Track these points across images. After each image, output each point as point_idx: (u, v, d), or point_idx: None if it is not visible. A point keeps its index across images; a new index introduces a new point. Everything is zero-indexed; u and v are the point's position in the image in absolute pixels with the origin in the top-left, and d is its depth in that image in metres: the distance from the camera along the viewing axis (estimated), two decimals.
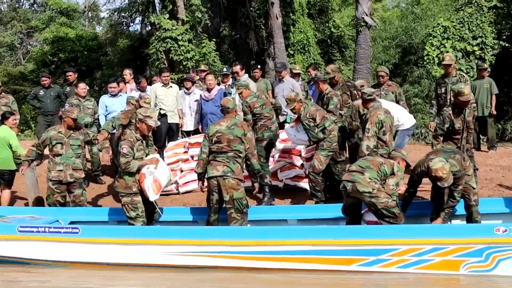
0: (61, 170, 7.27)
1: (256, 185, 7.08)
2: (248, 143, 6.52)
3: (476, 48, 13.84)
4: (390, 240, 5.37)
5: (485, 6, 13.98)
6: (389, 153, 6.48)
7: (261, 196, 7.85)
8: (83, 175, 7.57)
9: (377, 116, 6.68)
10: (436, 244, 5.28)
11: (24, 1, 31.78)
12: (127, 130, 7.83)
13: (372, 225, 5.88)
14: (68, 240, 6.08)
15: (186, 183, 8.56)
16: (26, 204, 8.58)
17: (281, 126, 8.88)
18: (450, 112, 6.88)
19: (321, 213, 6.83)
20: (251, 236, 5.76)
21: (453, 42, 14.07)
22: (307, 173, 8.29)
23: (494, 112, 10.23)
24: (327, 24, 18.79)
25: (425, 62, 14.47)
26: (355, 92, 8.22)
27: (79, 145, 7.43)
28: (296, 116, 7.75)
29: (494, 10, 14.07)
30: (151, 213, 6.63)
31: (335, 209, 6.74)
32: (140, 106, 7.84)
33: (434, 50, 14.20)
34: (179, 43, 13.40)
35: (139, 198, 6.41)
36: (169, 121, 9.45)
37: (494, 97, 10.08)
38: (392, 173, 5.87)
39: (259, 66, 10.38)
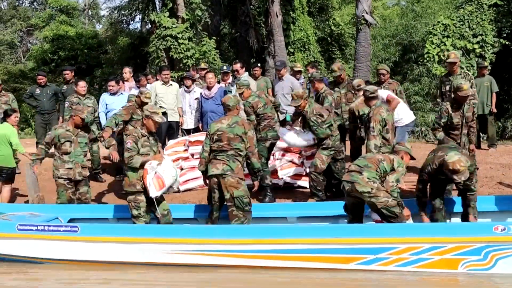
0: (70, 168, 7.32)
1: (256, 183, 7.02)
2: (249, 141, 6.50)
3: (476, 46, 13.83)
4: (389, 238, 5.37)
5: (486, 4, 13.97)
6: (393, 147, 6.44)
7: (261, 196, 7.85)
8: (88, 173, 7.65)
9: (380, 114, 6.67)
10: (435, 243, 5.27)
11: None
12: (129, 126, 7.88)
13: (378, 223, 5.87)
14: (67, 238, 6.08)
15: (186, 181, 8.55)
16: (27, 202, 8.58)
17: (281, 124, 8.88)
18: (448, 107, 6.92)
19: (320, 210, 6.84)
20: (250, 234, 5.76)
21: (453, 40, 14.06)
22: (307, 171, 8.31)
23: (494, 110, 10.23)
24: (327, 22, 18.77)
25: (425, 60, 14.47)
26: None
27: (86, 143, 7.53)
28: (294, 116, 7.74)
29: (494, 8, 14.06)
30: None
31: (334, 207, 6.76)
32: (142, 102, 7.87)
33: (434, 48, 14.19)
34: (179, 41, 13.39)
35: (142, 197, 6.39)
36: (169, 119, 9.44)
37: (494, 95, 10.07)
38: (392, 169, 5.82)
39: (259, 64, 10.37)
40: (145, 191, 6.38)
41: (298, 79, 9.65)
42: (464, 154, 5.97)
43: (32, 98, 10.44)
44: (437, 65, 14.07)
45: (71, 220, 7.10)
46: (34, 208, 7.42)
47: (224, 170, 6.33)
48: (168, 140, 9.42)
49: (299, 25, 16.38)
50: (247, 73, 9.66)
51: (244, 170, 6.65)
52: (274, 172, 8.34)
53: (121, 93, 9.39)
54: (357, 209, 6.08)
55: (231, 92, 9.17)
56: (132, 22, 20.92)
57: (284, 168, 8.45)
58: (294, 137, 7.51)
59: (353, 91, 8.25)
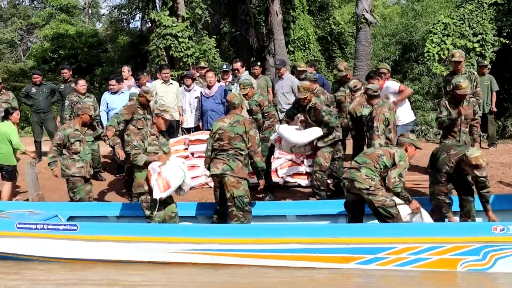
0: (82, 167, 7.39)
1: (262, 182, 6.94)
2: (251, 140, 6.42)
3: (476, 45, 13.80)
4: (388, 238, 5.37)
5: (486, 3, 13.94)
6: (398, 138, 6.34)
7: (261, 195, 7.87)
8: (93, 172, 7.78)
9: (383, 114, 6.67)
10: (434, 243, 5.27)
11: None
12: (130, 126, 7.90)
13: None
14: (66, 237, 6.09)
15: None
16: (27, 200, 8.59)
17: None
18: (446, 102, 6.95)
19: (320, 209, 6.84)
20: (249, 234, 5.75)
21: (453, 39, 14.03)
22: (307, 170, 8.32)
23: (495, 109, 10.23)
24: (327, 21, 18.74)
25: (425, 59, 14.44)
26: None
27: (92, 141, 7.57)
28: (293, 110, 7.72)
29: (494, 7, 14.03)
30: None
31: (333, 205, 6.77)
32: (147, 100, 7.95)
33: (435, 47, 14.16)
34: (179, 40, 13.38)
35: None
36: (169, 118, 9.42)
37: (494, 94, 10.07)
38: (394, 164, 5.76)
39: (259, 63, 10.35)
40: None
41: (302, 79, 9.52)
42: None
43: (27, 97, 10.43)
44: (437, 64, 14.04)
45: (70, 218, 7.12)
46: (33, 206, 7.44)
47: (224, 169, 6.32)
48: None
49: (299, 24, 16.35)
50: (247, 72, 9.65)
51: (248, 169, 6.63)
52: (274, 171, 8.35)
53: (122, 92, 9.40)
54: (357, 207, 6.06)
55: (231, 91, 9.17)
56: (132, 20, 20.91)
57: (284, 167, 8.47)
58: (296, 134, 7.33)
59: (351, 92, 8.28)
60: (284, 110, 9.30)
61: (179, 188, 6.48)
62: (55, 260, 6.18)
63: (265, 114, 7.73)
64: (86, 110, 7.52)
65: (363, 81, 9.28)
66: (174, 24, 13.49)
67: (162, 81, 9.69)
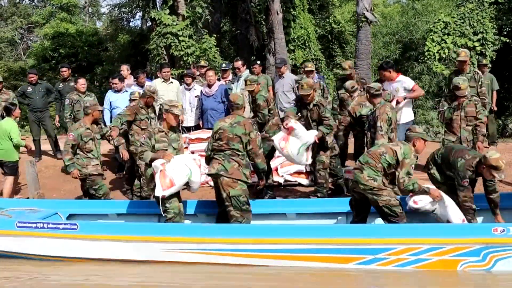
0: (97, 164, 7.46)
1: (262, 182, 6.90)
2: (251, 143, 6.36)
3: (477, 43, 13.81)
4: (388, 239, 5.36)
5: (486, 1, 13.95)
6: (406, 136, 6.18)
7: (261, 194, 7.88)
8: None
9: (387, 113, 6.67)
10: (434, 244, 5.27)
11: None
12: (134, 126, 7.93)
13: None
14: (66, 236, 6.09)
15: None
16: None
17: (282, 122, 8.88)
18: (447, 97, 7.16)
19: (320, 207, 6.83)
20: (248, 234, 5.75)
21: (453, 37, 14.04)
22: (307, 169, 8.32)
23: (495, 108, 10.21)
24: (327, 20, 18.74)
25: (425, 58, 14.45)
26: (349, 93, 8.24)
27: (99, 139, 7.61)
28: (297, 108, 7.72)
29: (495, 5, 14.03)
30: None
31: (333, 204, 6.78)
32: (154, 100, 8.01)
33: (435, 46, 14.17)
34: (180, 38, 13.37)
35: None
36: None
37: (495, 93, 10.05)
38: (397, 161, 5.71)
39: (258, 62, 10.35)
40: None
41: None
42: None
43: (23, 96, 10.42)
44: (438, 63, 14.06)
45: (70, 216, 7.12)
46: (33, 204, 7.44)
47: (218, 170, 6.28)
48: None
49: (300, 23, 16.35)
50: (248, 70, 9.66)
51: (250, 169, 6.59)
52: (275, 170, 8.35)
53: (125, 91, 9.41)
54: (362, 206, 6.05)
55: (231, 90, 9.17)
56: (132, 19, 20.88)
57: (285, 166, 8.46)
58: (306, 131, 7.12)
59: (361, 90, 8.29)
60: (285, 109, 9.31)
61: (187, 185, 6.42)
62: (55, 258, 6.18)
63: (271, 112, 7.75)
64: (95, 107, 7.56)
65: (364, 80, 9.30)
66: (175, 23, 13.49)
67: (163, 80, 9.70)
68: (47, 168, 10.31)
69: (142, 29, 19.52)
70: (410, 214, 5.96)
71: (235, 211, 6.25)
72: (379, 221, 6.19)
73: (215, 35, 14.65)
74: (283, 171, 8.43)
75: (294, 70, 13.97)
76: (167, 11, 13.75)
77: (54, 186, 9.49)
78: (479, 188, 7.21)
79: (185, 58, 13.45)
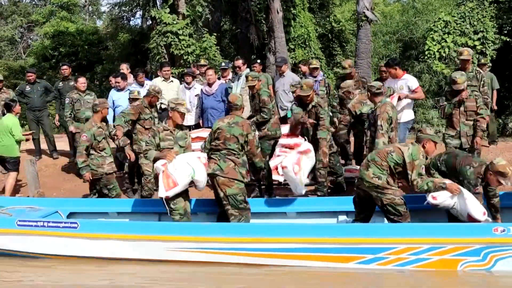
0: (112, 162, 7.49)
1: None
2: (250, 144, 6.43)
3: (477, 42, 13.79)
4: (388, 238, 5.37)
5: (487, 0, 13.93)
6: (417, 137, 6.13)
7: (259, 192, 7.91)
8: None
9: (387, 112, 6.67)
10: (434, 243, 5.27)
11: None
12: (137, 125, 7.93)
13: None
14: (66, 235, 6.10)
15: None
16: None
17: (283, 121, 8.89)
18: (447, 92, 7.29)
19: (320, 206, 6.86)
20: (248, 232, 5.76)
21: (454, 36, 14.02)
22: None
23: (495, 107, 10.22)
24: (328, 19, 18.72)
25: (426, 57, 14.44)
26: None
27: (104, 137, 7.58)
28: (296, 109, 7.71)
29: (495, 4, 14.01)
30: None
31: (333, 202, 6.80)
32: (158, 99, 8.10)
33: (435, 45, 14.16)
34: (180, 37, 13.37)
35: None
36: None
37: (495, 92, 10.05)
38: (403, 161, 5.67)
39: (258, 61, 10.35)
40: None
41: (315, 77, 9.40)
42: None
43: (22, 95, 10.41)
44: (438, 62, 14.04)
45: (71, 214, 7.13)
46: (33, 202, 7.45)
47: (214, 169, 6.31)
48: None
49: (300, 22, 16.34)
50: (248, 69, 9.65)
51: (246, 168, 6.60)
52: (274, 169, 8.34)
53: (128, 89, 9.42)
54: (366, 204, 6.05)
55: (231, 88, 9.17)
56: (132, 18, 20.91)
57: None
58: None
59: (361, 89, 8.29)
60: (285, 108, 9.33)
61: (193, 184, 6.38)
62: (55, 257, 6.19)
63: (272, 109, 7.76)
64: (104, 104, 7.56)
65: (365, 79, 9.28)
66: (175, 22, 13.48)
67: (163, 78, 9.69)
68: (47, 167, 10.31)
69: (142, 27, 19.52)
70: (410, 214, 5.95)
71: (233, 209, 6.29)
72: (379, 220, 6.20)
73: (215, 34, 14.64)
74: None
75: (294, 69, 13.94)
76: (168, 9, 13.74)
77: (54, 185, 9.49)
78: None
79: (185, 57, 13.45)
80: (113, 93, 9.51)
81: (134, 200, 7.55)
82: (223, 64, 10.04)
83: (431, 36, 14.28)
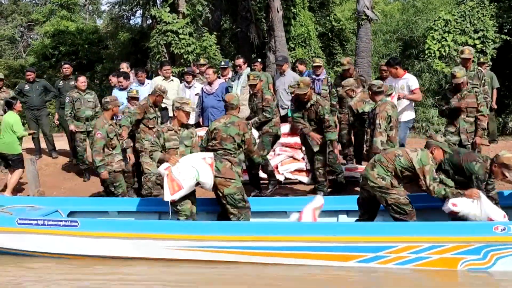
0: (121, 160, 7.45)
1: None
2: (247, 142, 6.45)
3: (477, 41, 13.79)
4: (389, 237, 5.36)
5: None
6: (426, 143, 6.12)
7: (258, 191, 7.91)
8: None
9: (386, 111, 6.66)
10: (434, 242, 5.27)
11: None
12: (141, 125, 7.93)
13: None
14: (67, 233, 6.10)
15: None
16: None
17: (283, 120, 8.89)
18: (447, 90, 7.35)
19: None
20: (249, 231, 5.76)
21: (454, 35, 14.03)
22: (308, 167, 8.32)
23: (495, 106, 10.22)
24: (328, 18, 18.73)
25: (426, 56, 14.44)
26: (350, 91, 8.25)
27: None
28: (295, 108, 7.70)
29: (495, 3, 14.01)
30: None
31: (334, 201, 6.77)
32: (163, 99, 8.10)
33: (435, 44, 14.16)
34: (180, 36, 13.37)
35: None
36: (170, 115, 9.43)
37: (495, 91, 10.05)
38: (412, 167, 5.67)
39: (259, 60, 10.35)
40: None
41: (318, 75, 9.40)
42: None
43: (21, 94, 10.40)
44: (438, 61, 14.05)
45: (71, 213, 7.12)
46: (34, 201, 7.44)
47: None
48: None
49: (300, 21, 16.34)
50: (249, 68, 9.65)
51: (242, 168, 6.60)
52: (275, 168, 8.35)
53: (130, 88, 9.41)
54: (370, 204, 6.04)
55: (231, 87, 9.17)
56: (132, 17, 20.95)
57: (285, 164, 8.47)
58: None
59: (361, 87, 8.29)
60: (286, 107, 9.32)
61: (199, 185, 6.31)
62: (55, 256, 6.19)
63: (274, 109, 7.78)
64: (116, 102, 7.53)
65: (364, 77, 9.29)
66: (175, 21, 13.48)
67: (163, 77, 9.70)
68: (47, 166, 10.32)
69: (143, 27, 19.53)
70: None
71: (232, 208, 6.30)
72: (379, 219, 6.20)
73: (215, 33, 14.65)
74: (284, 169, 8.44)
75: (294, 68, 13.95)
76: (168, 9, 13.75)
77: (54, 184, 9.50)
78: None
79: (185, 56, 13.46)
80: (115, 93, 9.50)
81: (134, 199, 7.55)
82: (222, 63, 10.04)
83: (431, 35, 14.29)
